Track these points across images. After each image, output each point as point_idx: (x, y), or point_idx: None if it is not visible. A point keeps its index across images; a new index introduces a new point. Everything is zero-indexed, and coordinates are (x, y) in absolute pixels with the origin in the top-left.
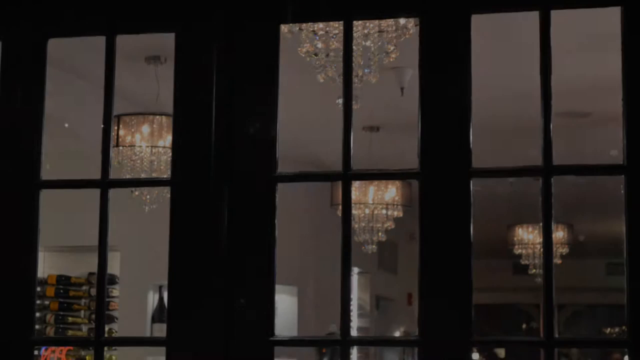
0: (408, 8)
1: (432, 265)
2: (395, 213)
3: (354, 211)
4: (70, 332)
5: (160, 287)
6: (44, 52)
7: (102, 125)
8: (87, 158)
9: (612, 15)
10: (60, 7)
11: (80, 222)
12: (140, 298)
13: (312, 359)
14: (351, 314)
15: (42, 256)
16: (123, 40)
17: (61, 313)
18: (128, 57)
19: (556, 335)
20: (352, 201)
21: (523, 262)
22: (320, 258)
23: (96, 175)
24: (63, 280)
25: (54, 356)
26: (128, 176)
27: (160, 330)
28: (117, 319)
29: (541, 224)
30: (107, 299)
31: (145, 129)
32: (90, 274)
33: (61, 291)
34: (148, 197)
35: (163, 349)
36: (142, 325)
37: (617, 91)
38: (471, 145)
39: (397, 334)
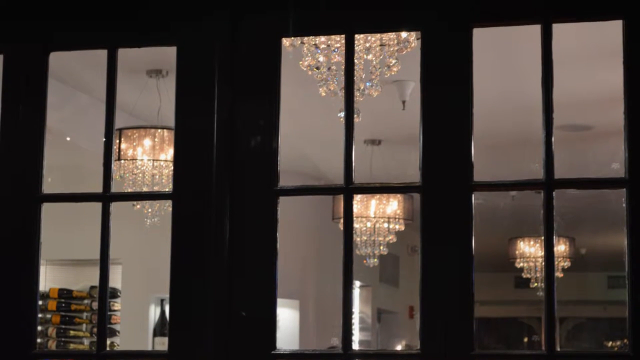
0: (409, 21)
1: (433, 278)
2: (397, 226)
3: (355, 224)
4: (72, 346)
5: (162, 301)
6: (46, 65)
7: (104, 139)
8: (89, 171)
9: (614, 28)
10: (62, 20)
11: (81, 236)
12: (141, 311)
13: None
14: (353, 327)
15: (43, 270)
16: (124, 54)
17: (63, 326)
18: (129, 71)
19: (558, 349)
20: (354, 214)
21: (525, 275)
22: (321, 271)
23: (98, 188)
24: (65, 294)
25: None
26: (130, 190)
27: (162, 344)
28: (118, 332)
29: (543, 238)
30: (109, 313)
31: (147, 142)
32: (92, 287)
33: (63, 304)
34: (149, 210)
35: None
36: (143, 338)
37: (618, 104)
38: (473, 159)
39: (398, 347)
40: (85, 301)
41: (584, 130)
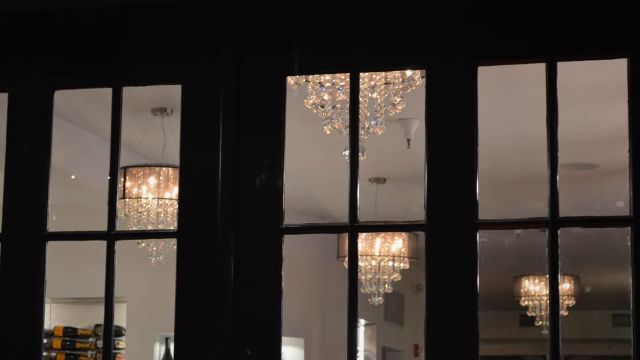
0: (414, 60)
1: (438, 316)
2: (402, 265)
3: (360, 263)
4: None
5: (167, 339)
6: (51, 103)
7: (109, 177)
8: (94, 210)
9: (618, 67)
10: (67, 58)
11: (86, 274)
12: (146, 350)
13: None
14: None
15: (48, 308)
16: (129, 92)
17: None
18: (135, 109)
19: None
20: (359, 253)
21: (529, 313)
22: (326, 309)
23: (102, 227)
24: (69, 332)
25: None
26: (134, 228)
27: None
28: None
29: (547, 276)
30: (114, 351)
31: (152, 180)
32: (97, 325)
33: (67, 343)
34: (154, 248)
35: None
36: None
37: (623, 142)
38: (477, 197)
39: None
40: (90, 339)
41: (589, 169)
